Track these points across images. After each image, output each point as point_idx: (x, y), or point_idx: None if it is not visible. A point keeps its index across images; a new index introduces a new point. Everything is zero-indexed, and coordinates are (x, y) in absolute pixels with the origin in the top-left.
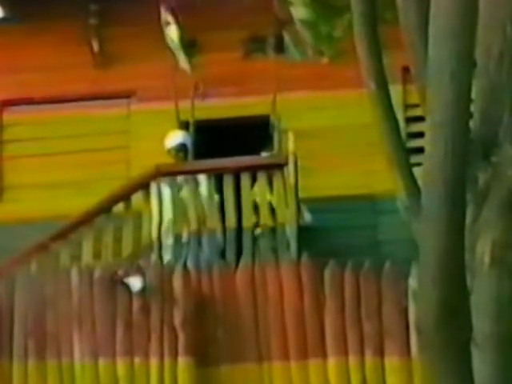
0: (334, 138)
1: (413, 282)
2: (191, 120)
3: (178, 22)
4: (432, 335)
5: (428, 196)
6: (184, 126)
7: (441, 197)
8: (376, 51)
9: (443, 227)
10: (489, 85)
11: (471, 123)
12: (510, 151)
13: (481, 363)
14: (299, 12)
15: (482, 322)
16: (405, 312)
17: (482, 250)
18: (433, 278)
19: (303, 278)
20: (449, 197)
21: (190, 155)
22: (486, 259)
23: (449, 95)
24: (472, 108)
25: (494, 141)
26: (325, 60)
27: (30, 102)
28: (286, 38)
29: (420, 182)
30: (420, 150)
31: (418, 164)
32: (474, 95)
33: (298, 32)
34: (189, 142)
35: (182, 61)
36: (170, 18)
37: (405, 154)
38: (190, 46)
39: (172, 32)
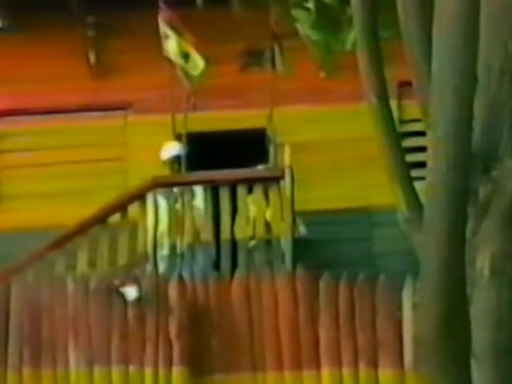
0: (330, 151)
1: (407, 295)
2: (184, 132)
3: (177, 34)
4: (431, 346)
5: (430, 208)
6: (180, 137)
7: (443, 209)
8: (378, 65)
9: (444, 239)
10: (490, 100)
11: (472, 138)
12: (510, 165)
13: (480, 375)
14: (303, 28)
15: (481, 334)
16: (399, 324)
17: (481, 262)
18: (433, 289)
19: (298, 289)
20: (451, 209)
21: (184, 167)
22: (486, 272)
23: (451, 110)
24: (473, 123)
25: (495, 155)
26: (322, 74)
27: (26, 112)
28: (277, 52)
29: (420, 196)
30: (415, 165)
31: (414, 178)
32: (475, 110)
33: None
34: (182, 154)
35: (181, 73)
36: (168, 32)
37: (406, 167)
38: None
39: (171, 45)
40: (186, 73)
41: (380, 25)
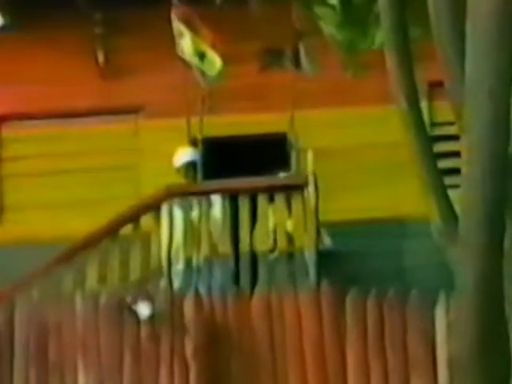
0: (356, 157)
1: (441, 312)
2: (199, 136)
3: (192, 32)
4: (467, 368)
5: (465, 219)
6: (196, 143)
7: (479, 220)
8: (407, 64)
9: (481, 252)
10: None
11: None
12: None
13: None
14: (327, 26)
15: None
16: (432, 343)
17: None
18: (469, 306)
19: (323, 306)
20: (487, 220)
21: (199, 174)
22: None
23: (486, 113)
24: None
25: None
26: (348, 74)
27: (30, 116)
28: (301, 50)
29: (455, 205)
30: (448, 172)
31: (448, 186)
32: None
33: (314, 45)
34: (198, 160)
35: (197, 73)
36: (182, 28)
37: (439, 175)
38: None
39: (185, 44)
40: (202, 73)
41: (409, 22)
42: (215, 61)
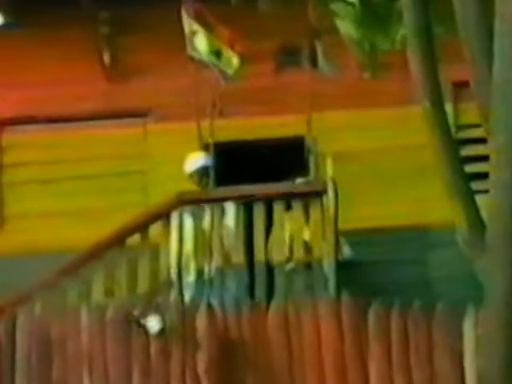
0: (377, 161)
1: (469, 325)
2: (211, 141)
3: (206, 29)
4: None
5: (493, 227)
6: (207, 147)
7: (508, 228)
8: (431, 64)
9: (510, 262)
10: None
11: None
12: None
13: None
14: (344, 24)
15: None
16: (459, 358)
17: None
18: (498, 319)
19: (343, 319)
20: None
21: (212, 181)
22: None
23: None
24: None
25: None
26: (367, 74)
27: (33, 121)
28: (318, 49)
29: (482, 212)
30: (474, 176)
31: (475, 192)
32: None
33: (331, 43)
34: (211, 166)
35: (216, 71)
36: (196, 26)
37: (465, 180)
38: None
39: (200, 42)
40: (221, 71)
41: (433, 20)
42: (232, 59)
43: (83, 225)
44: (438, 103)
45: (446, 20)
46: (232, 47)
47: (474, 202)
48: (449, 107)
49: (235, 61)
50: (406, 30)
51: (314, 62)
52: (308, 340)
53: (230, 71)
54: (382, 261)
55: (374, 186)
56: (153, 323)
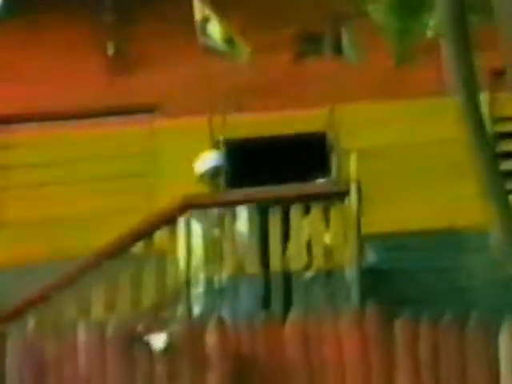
0: (406, 158)
1: (506, 338)
2: (223, 138)
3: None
4: None
5: None
6: (219, 145)
7: None
8: (465, 52)
9: None
10: None
11: None
12: None
13: None
14: (375, 8)
15: None
16: (495, 374)
17: None
18: None
19: (368, 332)
20: None
21: (224, 183)
22: None
23: None
24: None
25: None
26: (396, 63)
27: (29, 118)
28: (344, 36)
29: None
30: (510, 175)
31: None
32: None
33: (358, 29)
34: (224, 166)
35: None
36: (208, 11)
37: (500, 178)
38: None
39: (213, 27)
40: (232, 59)
41: (468, 6)
42: (243, 48)
43: (81, 232)
44: (472, 94)
45: (484, 6)
46: (244, 34)
47: (507, 202)
48: (485, 98)
49: (247, 50)
50: (439, 15)
51: (337, 50)
52: (329, 355)
53: (241, 60)
54: (410, 267)
55: (401, 185)
56: (158, 340)
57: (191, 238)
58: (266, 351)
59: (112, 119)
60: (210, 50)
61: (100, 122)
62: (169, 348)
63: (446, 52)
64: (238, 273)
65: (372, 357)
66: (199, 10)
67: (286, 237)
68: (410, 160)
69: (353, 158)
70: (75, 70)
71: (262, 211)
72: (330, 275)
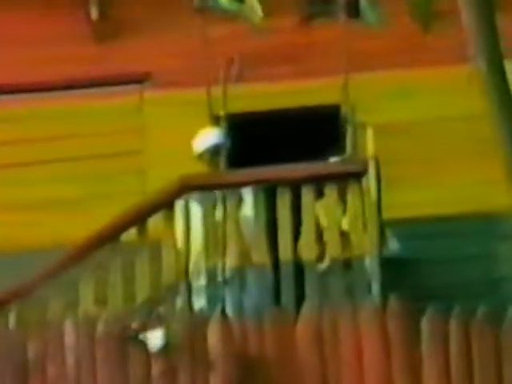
0: (429, 134)
1: None
2: (224, 113)
3: None
4: None
5: None
6: (219, 121)
7: None
8: (489, 21)
9: None
10: None
11: None
12: None
13: None
14: None
15: None
16: None
17: None
18: None
19: (390, 330)
20: None
21: (225, 162)
22: None
23: None
24: None
25: None
26: (418, 27)
27: (5, 90)
28: None
29: None
30: None
31: None
32: None
33: None
34: (225, 143)
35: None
36: None
37: None
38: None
39: None
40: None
41: None
42: (256, 7)
43: (67, 218)
44: (495, 64)
45: None
46: None
47: None
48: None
49: (259, 9)
50: None
51: (352, 13)
52: (346, 357)
53: (255, 21)
54: (438, 257)
55: (425, 165)
56: (155, 339)
57: (190, 223)
58: (276, 351)
59: (97, 91)
60: (207, 12)
61: (83, 95)
62: (166, 347)
63: (465, 15)
64: (244, 263)
65: (395, 358)
66: None
67: (297, 222)
68: (435, 137)
69: (370, 133)
70: (55, 37)
71: (269, 194)
72: (347, 266)
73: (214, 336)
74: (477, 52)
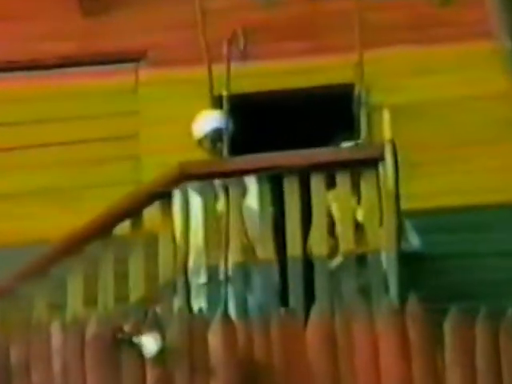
0: (452, 116)
1: None
2: (226, 93)
3: None
4: None
5: None
6: (221, 102)
7: None
8: None
9: None
10: None
11: None
12: None
13: None
14: None
15: None
16: None
17: None
18: None
19: (410, 333)
20: None
21: (227, 147)
22: None
23: None
24: None
25: None
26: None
27: None
28: None
29: None
30: None
31: None
32: None
33: None
34: (228, 127)
35: None
36: None
37: None
38: None
39: None
40: None
41: None
42: None
43: (54, 209)
44: None
45: None
46: None
47: None
48: None
49: None
50: None
51: None
52: (361, 363)
53: None
54: (462, 252)
55: (448, 149)
56: (150, 343)
57: (189, 215)
58: (283, 357)
59: (86, 70)
60: None
61: (71, 75)
62: (163, 352)
63: None
64: (248, 259)
65: (415, 365)
66: None
67: (306, 214)
68: (458, 118)
69: (386, 115)
70: (41, 12)
71: (275, 182)
72: (361, 262)
73: (215, 340)
74: (500, 29)
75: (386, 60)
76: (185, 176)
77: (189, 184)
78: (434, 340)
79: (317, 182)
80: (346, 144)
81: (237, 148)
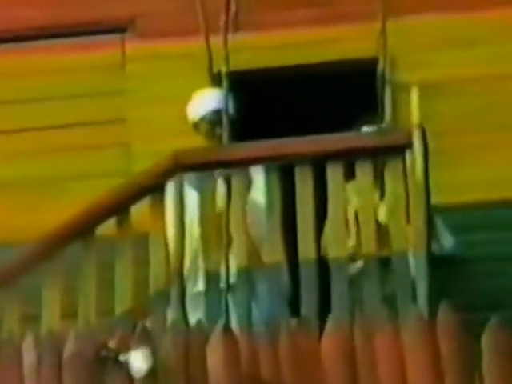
0: (491, 96)
1: None
2: (226, 69)
3: None
4: None
5: None
6: (220, 79)
7: None
8: None
9: None
10: None
11: None
12: None
13: None
14: None
15: None
16: None
17: None
18: None
19: (442, 347)
20: None
21: (228, 132)
22: None
23: None
24: None
25: None
26: None
27: None
28: None
29: None
30: None
31: None
32: None
33: None
34: (229, 108)
35: None
36: None
37: None
38: None
39: None
40: None
41: None
42: None
43: (30, 204)
44: None
45: None
46: None
47: None
48: None
49: None
50: None
51: None
52: (386, 379)
53: None
54: (503, 254)
55: (487, 134)
56: (139, 360)
57: (184, 213)
58: (294, 374)
59: (67, 42)
60: None
61: (51, 47)
62: (154, 371)
63: None
64: (253, 263)
65: (447, 379)
66: None
67: (321, 210)
68: (497, 99)
69: (414, 95)
70: None
71: (285, 174)
72: (386, 267)
73: (214, 356)
74: None
75: (414, 30)
76: (179, 166)
77: (184, 175)
78: (470, 355)
79: (333, 173)
80: (367, 128)
81: (239, 133)
